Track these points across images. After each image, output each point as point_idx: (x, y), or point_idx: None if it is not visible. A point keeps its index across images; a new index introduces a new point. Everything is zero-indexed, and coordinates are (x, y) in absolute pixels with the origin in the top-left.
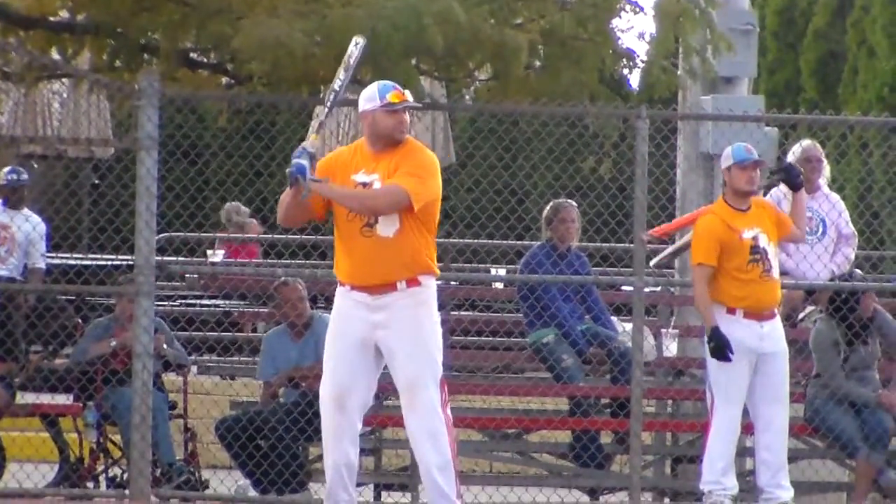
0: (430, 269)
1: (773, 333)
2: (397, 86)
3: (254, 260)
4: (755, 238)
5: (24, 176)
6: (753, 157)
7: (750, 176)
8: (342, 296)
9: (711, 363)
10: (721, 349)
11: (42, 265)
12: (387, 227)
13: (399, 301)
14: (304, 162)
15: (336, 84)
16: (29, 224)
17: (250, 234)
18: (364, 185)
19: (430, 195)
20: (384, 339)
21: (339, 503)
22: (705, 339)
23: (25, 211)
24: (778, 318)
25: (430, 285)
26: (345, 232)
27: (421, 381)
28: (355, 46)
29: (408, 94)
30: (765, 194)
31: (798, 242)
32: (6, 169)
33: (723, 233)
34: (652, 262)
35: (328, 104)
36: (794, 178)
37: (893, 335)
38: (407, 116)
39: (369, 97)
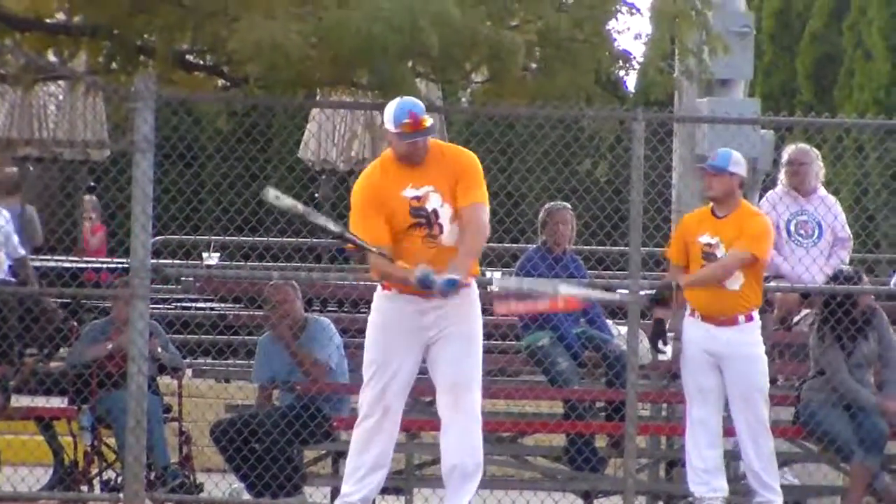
0: (477, 269)
1: (733, 339)
2: (415, 109)
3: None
4: (711, 245)
5: None
6: (710, 165)
7: (708, 182)
8: (390, 300)
9: (681, 367)
10: (653, 337)
11: (23, 251)
12: (451, 236)
13: (452, 301)
14: (426, 271)
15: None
16: None
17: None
18: (417, 198)
19: None
20: (435, 339)
21: None
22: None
23: None
24: (745, 326)
25: (475, 285)
26: (405, 241)
27: (468, 382)
28: (275, 200)
29: (426, 119)
30: (760, 197)
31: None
32: None
33: (685, 232)
34: None
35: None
36: None
37: (888, 337)
38: (424, 140)
39: (387, 118)
